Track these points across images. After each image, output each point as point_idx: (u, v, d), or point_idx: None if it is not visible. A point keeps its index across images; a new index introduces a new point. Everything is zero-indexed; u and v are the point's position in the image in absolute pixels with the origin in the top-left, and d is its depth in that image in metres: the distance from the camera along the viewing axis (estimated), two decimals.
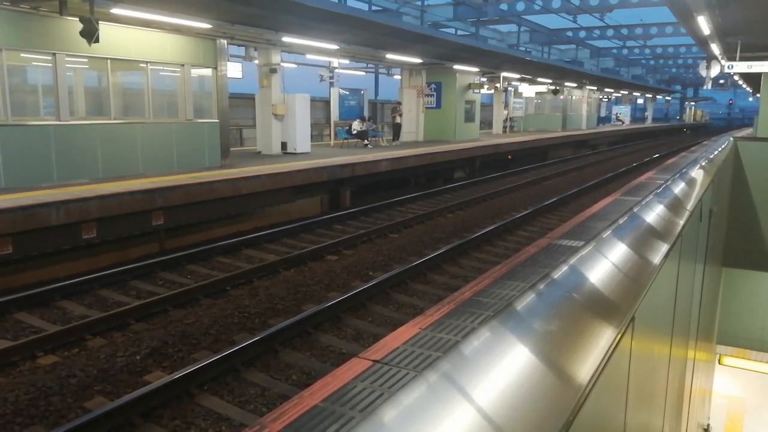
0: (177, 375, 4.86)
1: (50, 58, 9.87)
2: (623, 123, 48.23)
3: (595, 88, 38.89)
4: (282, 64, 16.24)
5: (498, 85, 26.06)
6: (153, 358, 5.59)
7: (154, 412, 4.60)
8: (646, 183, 6.67)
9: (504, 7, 25.41)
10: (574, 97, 36.82)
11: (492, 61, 22.17)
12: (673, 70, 55.19)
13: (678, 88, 65.88)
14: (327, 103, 21.57)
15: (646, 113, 57.11)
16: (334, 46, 15.76)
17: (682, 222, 4.23)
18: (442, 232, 11.08)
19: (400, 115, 21.95)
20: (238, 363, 5.35)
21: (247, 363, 5.44)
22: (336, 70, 18.61)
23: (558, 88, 31.64)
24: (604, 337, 1.89)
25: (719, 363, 13.97)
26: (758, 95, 23.01)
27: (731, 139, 13.91)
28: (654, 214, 3.97)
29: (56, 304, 7.11)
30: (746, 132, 23.72)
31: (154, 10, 10.30)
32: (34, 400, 4.75)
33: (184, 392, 4.84)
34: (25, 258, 8.09)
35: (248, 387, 5.12)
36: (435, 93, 23.20)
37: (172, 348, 5.81)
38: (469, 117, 24.32)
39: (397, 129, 21.72)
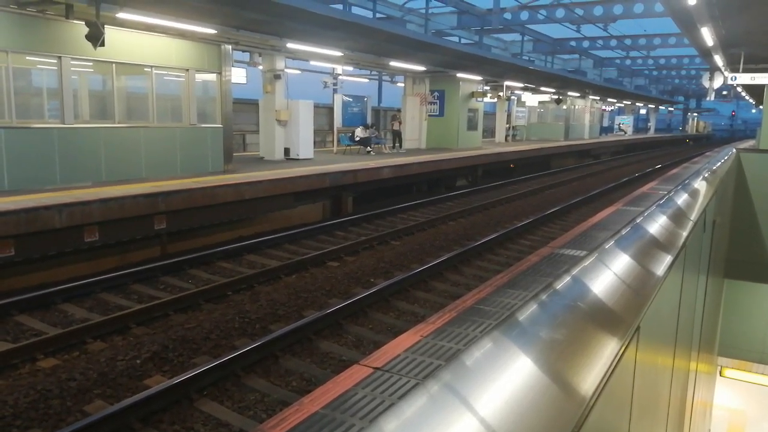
0: (177, 380, 4.85)
1: (55, 61, 9.91)
2: (626, 133, 48.26)
3: (598, 97, 38.95)
4: (286, 70, 16.29)
5: (501, 93, 26.11)
6: (153, 363, 5.58)
7: (153, 416, 4.58)
8: (649, 193, 6.66)
9: (508, 16, 25.48)
10: (576, 107, 36.87)
11: (495, 70, 22.22)
12: (676, 80, 55.30)
13: (681, 99, 65.96)
14: (330, 109, 21.66)
15: (649, 124, 57.16)
16: (338, 53, 15.80)
17: (685, 233, 4.22)
18: (443, 239, 11.07)
19: (400, 123, 22.03)
20: (239, 368, 5.34)
21: (248, 368, 5.42)
22: (339, 77, 18.67)
23: (561, 97, 31.69)
24: (608, 348, 1.88)
25: (720, 375, 13.92)
26: (761, 107, 23.01)
27: (734, 150, 13.91)
28: (657, 225, 3.96)
29: (57, 307, 7.10)
30: (749, 144, 23.72)
31: (160, 15, 10.35)
32: (33, 403, 4.74)
33: (183, 397, 4.83)
34: (26, 260, 8.09)
35: (248, 393, 5.10)
36: (438, 101, 23.27)
37: (172, 352, 5.80)
38: (471, 125, 24.37)
39: (396, 136, 21.80)
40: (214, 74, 12.90)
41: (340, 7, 21.39)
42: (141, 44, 11.16)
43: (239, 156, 16.79)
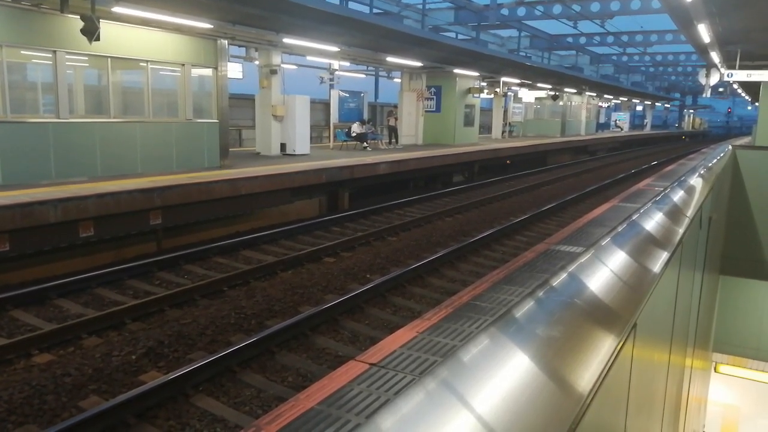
0: (172, 375, 4.84)
1: (50, 55, 9.85)
2: (622, 129, 48.33)
3: (595, 94, 38.97)
4: (282, 65, 16.23)
5: (498, 89, 26.09)
6: (149, 358, 5.57)
7: (148, 412, 4.57)
8: (645, 190, 6.68)
9: (505, 12, 25.43)
10: (573, 103, 36.87)
11: (492, 66, 22.19)
12: (673, 77, 55.35)
13: (677, 95, 66.03)
14: (327, 105, 21.59)
15: (645, 120, 57.22)
16: (334, 48, 15.76)
17: (681, 230, 4.22)
18: (440, 235, 11.07)
19: (396, 119, 22.02)
20: (234, 364, 5.33)
21: (243, 364, 5.42)
22: (336, 73, 18.62)
23: (557, 93, 31.69)
24: (605, 344, 1.88)
25: (715, 371, 13.99)
26: (757, 104, 23.07)
27: (730, 147, 13.94)
28: (653, 221, 3.97)
29: (52, 303, 7.08)
30: (745, 140, 23.78)
31: (156, 9, 10.29)
32: (28, 399, 4.73)
33: (179, 393, 4.82)
34: (21, 255, 8.06)
35: (244, 388, 5.10)
36: (435, 97, 23.24)
37: (168, 348, 5.79)
38: (468, 121, 24.35)
39: (391, 131, 21.78)
40: (210, 69, 12.85)
41: (336, 2, 21.30)
42: (137, 39, 11.11)
43: (235, 151, 16.76)
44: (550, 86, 30.27)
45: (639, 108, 57.47)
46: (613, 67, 45.97)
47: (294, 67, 21.45)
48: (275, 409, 1.86)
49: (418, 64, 19.97)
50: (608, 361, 1.81)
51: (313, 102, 17.65)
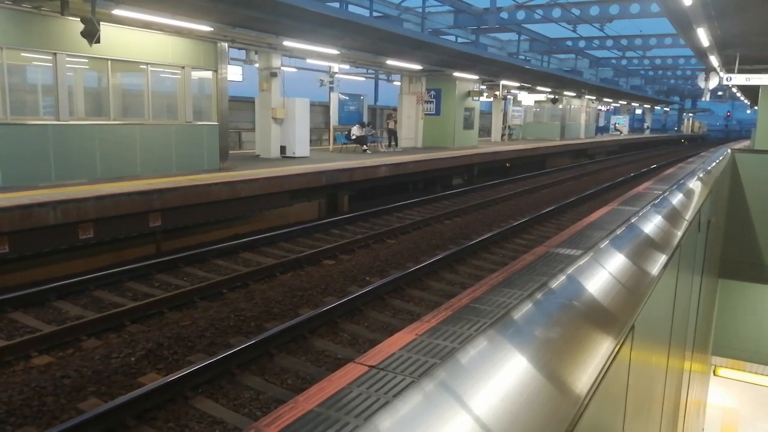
0: (171, 377, 4.84)
1: (51, 57, 9.87)
2: (621, 133, 48.38)
3: (594, 97, 39.02)
4: (282, 68, 16.26)
5: (497, 93, 26.13)
6: (148, 360, 5.57)
7: (148, 414, 4.58)
8: (644, 193, 6.68)
9: (504, 15, 25.49)
10: (572, 107, 36.92)
11: (491, 69, 22.23)
12: (672, 81, 55.46)
13: (676, 99, 66.12)
14: (326, 107, 21.62)
15: (646, 124, 57.29)
16: (334, 51, 15.79)
17: (680, 233, 4.23)
18: (439, 238, 11.07)
19: (395, 121, 22.05)
20: (234, 366, 5.34)
21: (243, 366, 5.42)
22: (336, 75, 18.65)
23: (557, 97, 31.73)
24: (603, 347, 1.88)
25: (714, 374, 13.97)
26: (756, 108, 23.11)
27: (729, 150, 13.95)
28: (652, 224, 3.97)
29: (52, 304, 7.08)
30: (744, 144, 23.81)
31: (156, 12, 10.32)
32: (27, 401, 4.73)
33: (178, 395, 4.82)
34: (21, 257, 8.06)
35: (243, 390, 5.10)
36: (434, 100, 23.27)
37: (167, 350, 5.79)
38: (468, 124, 24.38)
39: (391, 134, 21.81)
40: (210, 72, 12.88)
41: (336, 5, 21.36)
42: (137, 41, 11.13)
43: (235, 154, 16.76)
44: (549, 89, 30.32)
45: (638, 111, 57.54)
46: (612, 71, 46.05)
47: (294, 69, 21.50)
48: (274, 411, 1.86)
49: (418, 67, 20.00)
50: (606, 363, 1.81)
51: (312, 105, 17.69)
